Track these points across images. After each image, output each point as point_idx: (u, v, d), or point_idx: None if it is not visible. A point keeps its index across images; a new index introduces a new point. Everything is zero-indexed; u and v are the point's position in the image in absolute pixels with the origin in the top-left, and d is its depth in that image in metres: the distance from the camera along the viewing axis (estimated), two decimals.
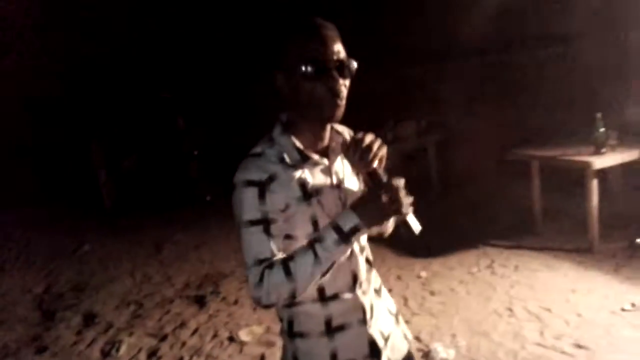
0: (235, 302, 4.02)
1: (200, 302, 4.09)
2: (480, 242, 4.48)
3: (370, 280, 1.38)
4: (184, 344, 3.48)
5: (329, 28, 1.24)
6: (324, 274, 1.21)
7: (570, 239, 4.27)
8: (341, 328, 1.31)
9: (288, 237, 1.25)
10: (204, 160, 7.40)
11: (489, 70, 5.45)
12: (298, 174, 1.25)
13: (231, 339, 3.47)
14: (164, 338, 3.59)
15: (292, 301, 1.24)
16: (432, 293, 3.75)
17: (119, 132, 7.60)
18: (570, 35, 5.00)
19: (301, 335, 1.32)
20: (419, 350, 3.02)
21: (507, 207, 4.89)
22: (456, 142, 5.74)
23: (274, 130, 1.30)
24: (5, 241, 6.04)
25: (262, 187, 1.21)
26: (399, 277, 4.05)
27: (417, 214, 1.24)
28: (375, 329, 1.35)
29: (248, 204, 1.21)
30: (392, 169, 1.28)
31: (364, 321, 1.33)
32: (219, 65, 8.11)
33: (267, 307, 1.23)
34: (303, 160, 1.26)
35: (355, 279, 1.32)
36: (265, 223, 1.22)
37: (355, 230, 1.19)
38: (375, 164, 1.21)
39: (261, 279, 1.19)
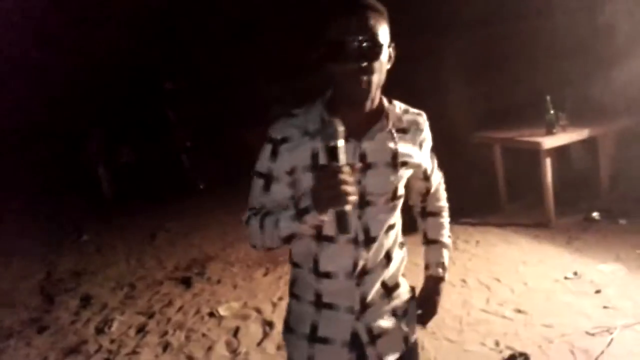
0: (218, 282, 4.35)
1: (186, 282, 4.43)
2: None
3: (379, 276, 1.35)
4: (169, 320, 3.82)
5: (362, 8, 1.18)
6: (285, 241, 1.25)
7: (531, 215, 4.56)
8: (329, 306, 1.34)
9: (293, 198, 1.29)
10: (196, 151, 7.71)
11: (460, 46, 5.63)
12: (314, 143, 1.24)
13: (211, 314, 3.81)
14: (152, 316, 3.93)
15: (267, 250, 1.32)
16: None
17: (115, 125, 7.90)
18: (543, 12, 5.16)
19: (296, 297, 1.40)
20: None
21: (475, 185, 5.16)
22: (431, 123, 5.98)
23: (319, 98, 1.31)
24: (9, 232, 6.40)
25: (275, 146, 1.27)
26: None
27: None
28: (363, 323, 1.34)
29: (262, 157, 1.31)
30: None
31: (351, 310, 1.33)
32: (214, 57, 8.32)
33: (254, 247, 1.34)
34: (321, 131, 1.23)
35: (355, 267, 1.31)
36: (267, 179, 1.30)
37: (305, 211, 1.18)
38: (340, 142, 1.12)
39: (247, 221, 1.32)
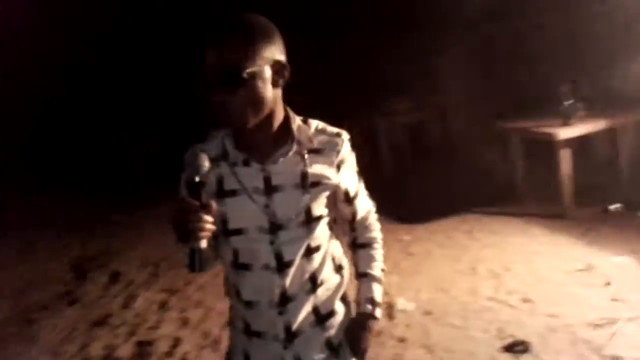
0: None
1: None
2: (465, 208, 4.81)
3: (305, 302, 1.30)
4: (189, 297, 4.02)
5: (222, 35, 1.15)
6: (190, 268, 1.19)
7: (549, 206, 4.54)
8: (258, 334, 1.31)
9: None
10: None
11: (479, 40, 5.61)
12: (219, 169, 1.24)
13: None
14: (173, 293, 4.14)
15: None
16: (410, 254, 4.14)
17: (146, 113, 8.13)
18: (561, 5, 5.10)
19: (232, 325, 1.40)
20: (384, 303, 3.43)
21: (494, 175, 5.16)
22: (450, 114, 5.99)
23: None
24: (47, 215, 6.76)
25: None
26: (383, 241, 4.44)
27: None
28: (291, 353, 1.30)
29: (182, 182, 1.28)
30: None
31: (277, 339, 1.30)
32: None
33: None
34: (224, 157, 1.25)
35: (273, 294, 1.28)
36: None
37: (177, 240, 1.13)
38: (201, 178, 1.12)
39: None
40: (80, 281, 4.66)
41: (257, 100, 1.17)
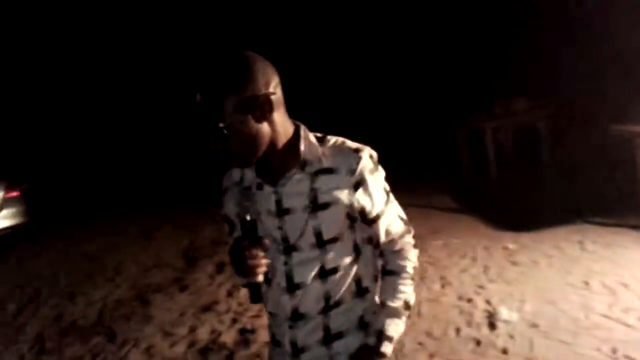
0: None
1: None
2: (578, 218, 4.51)
3: (315, 321, 1.29)
4: None
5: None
6: (245, 287, 1.27)
7: None
8: (278, 344, 1.37)
9: None
10: None
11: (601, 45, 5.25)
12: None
13: None
14: None
15: None
16: (514, 263, 3.96)
17: None
18: None
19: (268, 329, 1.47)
20: (485, 311, 3.33)
21: (612, 183, 4.79)
22: (568, 117, 5.64)
23: None
24: (163, 211, 7.35)
25: (222, 196, 1.35)
26: (486, 248, 4.30)
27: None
28: None
29: (225, 205, 1.36)
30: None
31: (286, 352, 1.34)
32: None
33: None
34: (241, 180, 1.31)
35: (287, 311, 1.31)
36: (229, 223, 1.36)
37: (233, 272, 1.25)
38: (249, 218, 1.19)
39: None
40: (190, 269, 5.01)
41: (248, 143, 1.18)
